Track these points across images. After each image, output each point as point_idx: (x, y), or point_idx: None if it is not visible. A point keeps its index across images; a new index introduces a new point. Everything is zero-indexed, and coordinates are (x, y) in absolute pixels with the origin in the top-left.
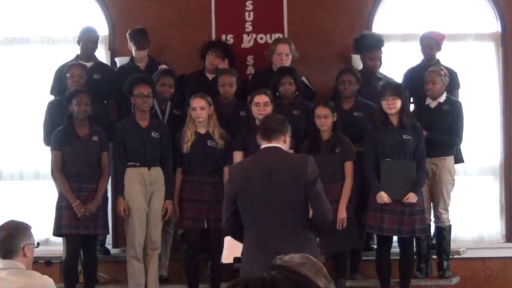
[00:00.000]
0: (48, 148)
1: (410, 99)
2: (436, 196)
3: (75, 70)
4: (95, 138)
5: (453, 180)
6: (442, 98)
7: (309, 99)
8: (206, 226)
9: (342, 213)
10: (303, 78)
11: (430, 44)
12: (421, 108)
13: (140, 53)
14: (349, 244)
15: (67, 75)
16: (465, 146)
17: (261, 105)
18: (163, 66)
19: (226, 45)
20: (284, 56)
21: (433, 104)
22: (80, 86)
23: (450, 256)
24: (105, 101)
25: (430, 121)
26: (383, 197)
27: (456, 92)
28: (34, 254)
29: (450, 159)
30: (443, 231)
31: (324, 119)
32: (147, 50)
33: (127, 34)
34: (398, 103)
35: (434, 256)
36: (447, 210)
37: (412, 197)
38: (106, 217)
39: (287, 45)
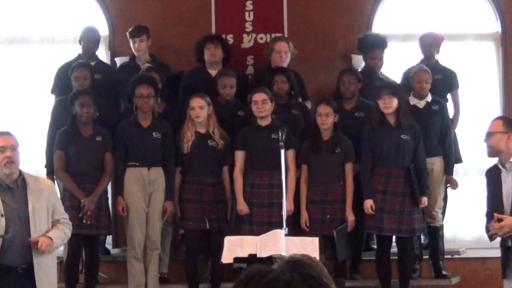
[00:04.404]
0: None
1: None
2: (433, 196)
3: (79, 73)
4: (98, 138)
5: None
6: (429, 97)
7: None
8: (208, 227)
9: (351, 216)
10: (307, 103)
11: (430, 42)
12: (409, 108)
13: (135, 47)
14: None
15: (72, 77)
16: (465, 146)
17: (259, 102)
18: (146, 65)
19: (219, 37)
20: (283, 53)
21: (421, 104)
22: (86, 88)
23: (450, 256)
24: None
25: (422, 123)
26: (368, 207)
27: (456, 92)
28: None
29: None
30: (439, 231)
31: (326, 117)
32: (140, 41)
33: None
34: (395, 102)
35: (426, 257)
36: (441, 209)
37: (425, 201)
38: (109, 218)
39: (285, 43)
